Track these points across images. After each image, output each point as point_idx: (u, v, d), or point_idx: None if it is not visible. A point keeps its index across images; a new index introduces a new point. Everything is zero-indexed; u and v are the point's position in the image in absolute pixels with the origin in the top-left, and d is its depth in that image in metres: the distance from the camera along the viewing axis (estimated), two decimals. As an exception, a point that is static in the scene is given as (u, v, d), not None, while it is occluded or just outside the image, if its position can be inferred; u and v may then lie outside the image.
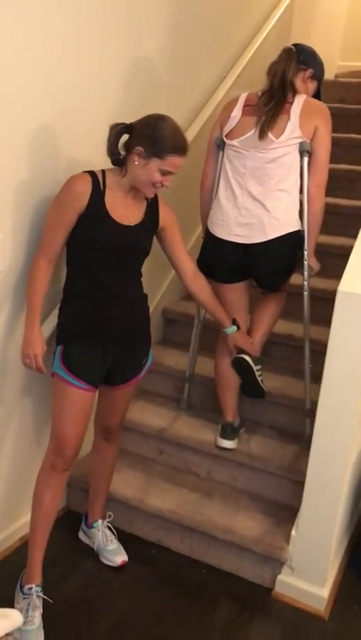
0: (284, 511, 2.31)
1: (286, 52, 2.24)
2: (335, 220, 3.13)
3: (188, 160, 2.87)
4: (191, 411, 2.70)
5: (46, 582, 2.01)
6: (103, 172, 1.90)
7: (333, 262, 2.76)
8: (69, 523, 2.42)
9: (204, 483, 2.49)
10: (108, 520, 2.33)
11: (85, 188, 1.84)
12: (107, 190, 1.88)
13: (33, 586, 1.94)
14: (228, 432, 2.42)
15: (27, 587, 1.94)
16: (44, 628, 1.89)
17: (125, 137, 1.89)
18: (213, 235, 2.29)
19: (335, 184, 3.10)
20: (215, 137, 2.37)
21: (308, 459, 2.05)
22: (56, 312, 2.04)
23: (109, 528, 2.33)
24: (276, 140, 2.17)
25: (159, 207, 2.02)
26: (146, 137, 1.82)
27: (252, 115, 2.22)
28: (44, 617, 1.92)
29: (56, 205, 1.87)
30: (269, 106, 2.18)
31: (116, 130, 1.86)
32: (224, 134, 2.29)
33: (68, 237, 1.89)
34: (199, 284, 2.15)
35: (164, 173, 1.85)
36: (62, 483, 2.00)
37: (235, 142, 2.24)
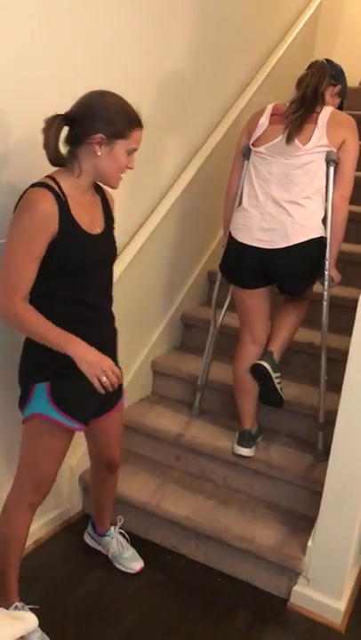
0: (301, 521, 2.29)
1: (321, 66, 2.25)
2: (359, 229, 3.10)
3: (212, 164, 2.89)
4: (208, 417, 2.68)
5: (60, 586, 2.01)
6: (54, 179, 1.61)
7: (356, 271, 2.75)
8: (85, 526, 2.41)
9: (221, 490, 2.47)
10: (119, 524, 2.31)
11: (52, 209, 1.56)
12: (69, 200, 1.61)
13: (17, 604, 1.87)
14: (246, 439, 2.40)
15: (12, 608, 1.84)
16: (57, 633, 1.89)
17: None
18: (235, 240, 2.28)
19: (359, 192, 3.09)
20: (242, 146, 2.37)
21: (326, 468, 2.03)
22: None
23: (122, 534, 2.31)
24: (303, 146, 2.16)
25: (107, 198, 1.81)
26: (101, 120, 1.57)
27: (280, 123, 2.22)
28: (58, 622, 1.92)
29: (22, 238, 1.55)
30: (298, 114, 2.18)
31: (56, 123, 1.57)
32: (251, 142, 2.30)
33: (41, 268, 1.60)
34: None
35: (129, 153, 1.64)
36: (34, 514, 1.87)
37: (261, 149, 2.24)
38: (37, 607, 1.87)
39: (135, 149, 1.65)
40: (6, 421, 2.06)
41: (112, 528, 2.28)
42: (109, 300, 1.83)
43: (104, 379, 1.59)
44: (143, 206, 2.60)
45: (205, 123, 2.92)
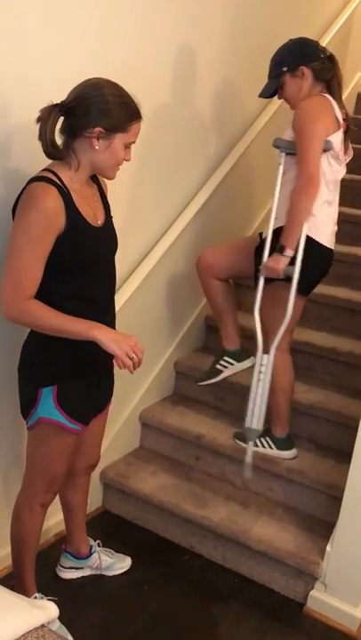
0: (320, 526, 2.29)
1: None
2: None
3: (248, 160, 2.90)
4: (230, 419, 2.69)
5: (78, 581, 2.06)
6: (54, 172, 1.55)
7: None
8: (104, 522, 2.43)
9: (240, 492, 2.48)
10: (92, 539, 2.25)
11: (58, 204, 1.51)
12: (72, 193, 1.56)
13: (36, 595, 1.92)
14: (288, 441, 2.43)
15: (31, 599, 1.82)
16: (74, 626, 1.91)
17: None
18: (326, 247, 2.21)
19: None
20: (328, 140, 2.10)
21: (347, 474, 2.02)
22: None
23: (98, 544, 2.26)
24: (348, 158, 2.24)
25: (102, 185, 1.77)
26: (99, 112, 1.50)
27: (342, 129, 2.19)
28: (74, 615, 1.96)
29: (30, 236, 1.50)
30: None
31: (53, 114, 1.50)
32: (337, 142, 2.15)
33: (47, 265, 1.55)
34: None
35: (127, 146, 1.59)
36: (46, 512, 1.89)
37: (340, 154, 2.18)
38: (56, 599, 1.90)
39: (133, 142, 1.60)
40: (13, 421, 2.08)
41: (95, 543, 2.22)
42: (113, 296, 1.78)
43: (132, 355, 1.55)
44: (174, 206, 2.63)
45: (240, 122, 2.92)
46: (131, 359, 1.55)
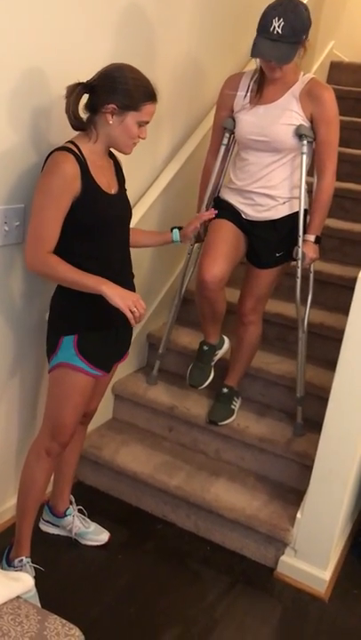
0: (291, 494, 2.34)
1: None
2: (356, 207, 3.11)
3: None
4: (203, 390, 2.70)
5: (52, 553, 2.08)
6: (74, 143, 1.73)
7: (354, 249, 2.76)
8: (78, 493, 2.44)
9: (212, 462, 2.51)
10: (74, 503, 2.29)
11: (75, 170, 1.69)
12: (88, 163, 1.73)
13: (23, 558, 1.95)
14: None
15: (17, 560, 1.94)
16: (48, 596, 1.92)
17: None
18: None
19: (357, 169, 3.08)
20: None
21: (317, 442, 2.07)
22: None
23: (80, 510, 2.29)
24: None
25: (118, 162, 1.93)
26: (115, 91, 1.68)
27: None
28: (49, 585, 1.97)
29: (49, 196, 1.69)
30: None
31: (77, 91, 1.70)
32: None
33: (66, 226, 1.73)
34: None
35: (141, 125, 1.75)
36: (54, 465, 1.98)
37: None
38: (43, 570, 1.96)
39: (147, 122, 1.75)
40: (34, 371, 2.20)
41: (71, 507, 2.26)
42: (128, 258, 1.93)
43: (134, 309, 1.70)
44: (143, 178, 2.60)
45: (210, 94, 2.87)
46: (132, 313, 1.70)
